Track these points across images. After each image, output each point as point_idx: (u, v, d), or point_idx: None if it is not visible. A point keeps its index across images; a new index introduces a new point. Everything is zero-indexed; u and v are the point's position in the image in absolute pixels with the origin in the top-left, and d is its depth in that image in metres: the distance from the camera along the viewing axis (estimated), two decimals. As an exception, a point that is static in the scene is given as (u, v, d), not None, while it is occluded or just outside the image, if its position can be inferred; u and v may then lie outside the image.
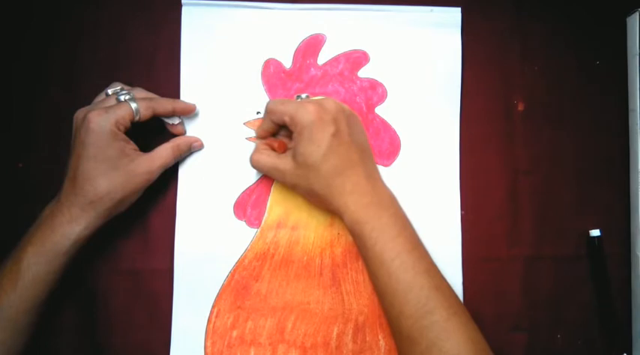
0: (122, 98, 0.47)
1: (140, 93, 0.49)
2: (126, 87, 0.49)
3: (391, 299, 0.43)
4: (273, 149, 0.49)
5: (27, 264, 0.44)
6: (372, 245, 0.44)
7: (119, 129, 0.45)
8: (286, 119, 0.46)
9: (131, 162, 0.46)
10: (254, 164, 0.49)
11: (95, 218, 0.45)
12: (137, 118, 0.47)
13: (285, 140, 0.50)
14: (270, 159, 0.48)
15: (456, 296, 0.44)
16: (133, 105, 0.46)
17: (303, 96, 0.50)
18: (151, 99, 0.49)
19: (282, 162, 0.47)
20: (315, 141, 0.44)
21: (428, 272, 0.44)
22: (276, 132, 0.50)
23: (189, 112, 0.51)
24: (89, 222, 0.45)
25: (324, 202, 0.47)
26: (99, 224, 0.46)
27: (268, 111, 0.48)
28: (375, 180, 0.48)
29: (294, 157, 0.46)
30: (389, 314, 0.44)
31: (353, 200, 0.45)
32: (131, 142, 0.47)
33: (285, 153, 0.48)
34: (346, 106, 0.48)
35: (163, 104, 0.49)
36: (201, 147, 0.51)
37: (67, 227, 0.44)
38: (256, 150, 0.49)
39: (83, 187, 0.44)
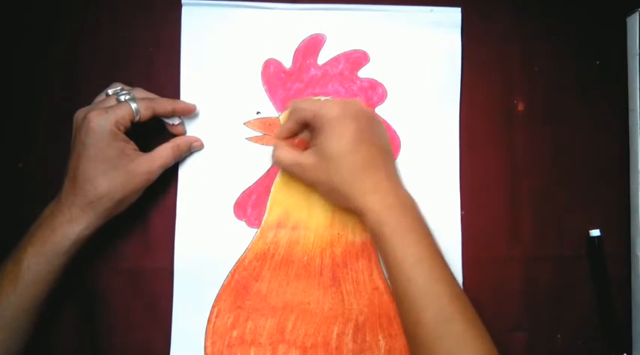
0: (122, 98, 0.47)
1: (140, 93, 0.49)
2: (126, 87, 0.49)
3: (408, 305, 0.43)
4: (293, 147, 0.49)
5: (27, 264, 0.44)
6: (393, 248, 0.44)
7: (119, 129, 0.45)
8: (309, 115, 0.46)
9: (131, 162, 0.46)
10: (275, 160, 0.49)
11: (95, 218, 0.45)
12: (137, 118, 0.46)
13: (305, 139, 0.50)
14: (291, 155, 0.48)
15: (472, 307, 0.43)
16: (133, 105, 0.46)
17: (328, 98, 0.51)
18: (151, 99, 0.49)
19: (304, 157, 0.47)
20: (337, 133, 0.45)
21: (447, 281, 0.43)
22: (297, 133, 0.50)
23: (190, 113, 0.51)
24: (89, 222, 0.45)
25: (344, 199, 0.46)
26: (99, 224, 0.46)
27: (292, 109, 0.48)
28: (396, 182, 0.48)
29: (316, 151, 0.46)
30: (405, 321, 0.44)
31: (375, 199, 0.45)
32: (131, 142, 0.47)
33: (307, 150, 0.48)
34: (370, 109, 0.48)
35: (163, 104, 0.49)
36: (201, 147, 0.51)
37: (67, 227, 0.44)
38: (277, 147, 0.49)
39: (83, 187, 0.44)
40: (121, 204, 0.46)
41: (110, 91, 0.48)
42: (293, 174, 0.49)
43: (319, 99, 0.50)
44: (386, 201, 0.45)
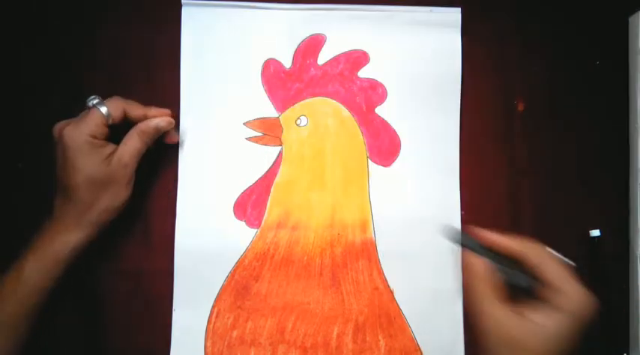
0: (90, 103, 0.46)
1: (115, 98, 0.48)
2: None
3: None
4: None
5: (28, 273, 0.44)
6: None
7: (95, 137, 0.45)
8: (555, 283, 0.39)
9: (109, 165, 0.46)
10: (478, 307, 0.40)
11: (90, 226, 0.46)
12: (110, 121, 0.46)
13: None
14: (500, 312, 0.39)
15: None
16: (103, 108, 0.46)
17: (567, 260, 0.42)
18: (122, 100, 0.48)
19: (524, 331, 0.38)
20: (570, 335, 0.39)
21: None
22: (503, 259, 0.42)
23: (164, 115, 0.49)
24: (86, 231, 0.46)
25: None
26: (94, 231, 0.46)
27: (538, 255, 0.40)
28: None
29: (539, 335, 0.38)
30: None
31: None
32: (109, 145, 0.47)
33: (522, 315, 0.39)
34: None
35: (134, 108, 0.48)
36: (170, 124, 0.49)
37: (64, 236, 0.45)
38: (482, 289, 0.41)
39: (71, 199, 0.45)
40: (112, 207, 0.46)
41: (89, 103, 0.47)
42: (491, 336, 0.40)
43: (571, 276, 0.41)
44: None
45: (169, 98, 0.51)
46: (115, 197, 0.46)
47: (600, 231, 0.52)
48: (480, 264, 0.42)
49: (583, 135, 0.54)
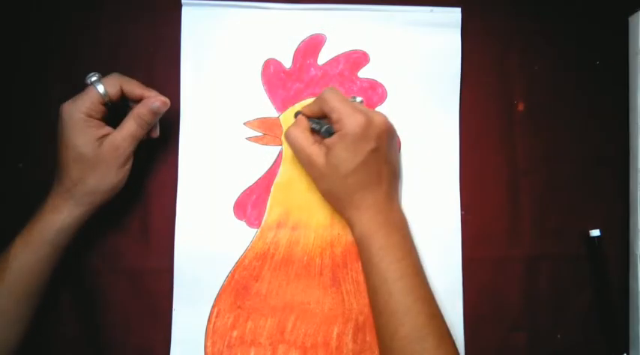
0: (88, 81, 0.46)
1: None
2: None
3: (387, 319, 0.44)
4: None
5: (14, 253, 0.44)
6: (378, 262, 0.45)
7: (91, 116, 0.45)
8: (334, 116, 0.46)
9: (100, 146, 0.46)
10: (286, 135, 0.48)
11: (75, 206, 0.45)
12: (107, 99, 0.46)
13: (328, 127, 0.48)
14: (305, 141, 0.47)
15: (446, 326, 0.45)
16: (99, 86, 0.46)
17: (358, 99, 0.50)
18: (121, 77, 0.47)
19: (315, 153, 0.46)
20: (352, 151, 0.45)
21: (426, 299, 0.45)
22: (322, 117, 0.49)
23: (159, 101, 0.48)
24: (70, 210, 0.45)
25: (339, 207, 0.48)
26: (81, 213, 0.46)
27: (323, 98, 0.47)
28: (393, 201, 0.49)
29: (329, 155, 0.46)
30: (382, 333, 0.45)
31: (368, 215, 0.46)
32: (105, 127, 0.46)
33: (321, 144, 0.47)
34: (391, 125, 0.48)
35: (132, 85, 0.47)
36: (165, 105, 0.47)
37: (50, 216, 0.45)
38: (296, 125, 0.48)
39: (60, 177, 0.45)
40: (98, 189, 0.46)
41: (87, 81, 0.47)
42: (298, 160, 0.48)
43: (353, 100, 0.49)
44: (378, 217, 0.46)
45: (169, 98, 0.51)
46: (103, 179, 0.46)
47: (600, 231, 0.52)
48: (300, 121, 0.49)
49: (583, 135, 0.54)
